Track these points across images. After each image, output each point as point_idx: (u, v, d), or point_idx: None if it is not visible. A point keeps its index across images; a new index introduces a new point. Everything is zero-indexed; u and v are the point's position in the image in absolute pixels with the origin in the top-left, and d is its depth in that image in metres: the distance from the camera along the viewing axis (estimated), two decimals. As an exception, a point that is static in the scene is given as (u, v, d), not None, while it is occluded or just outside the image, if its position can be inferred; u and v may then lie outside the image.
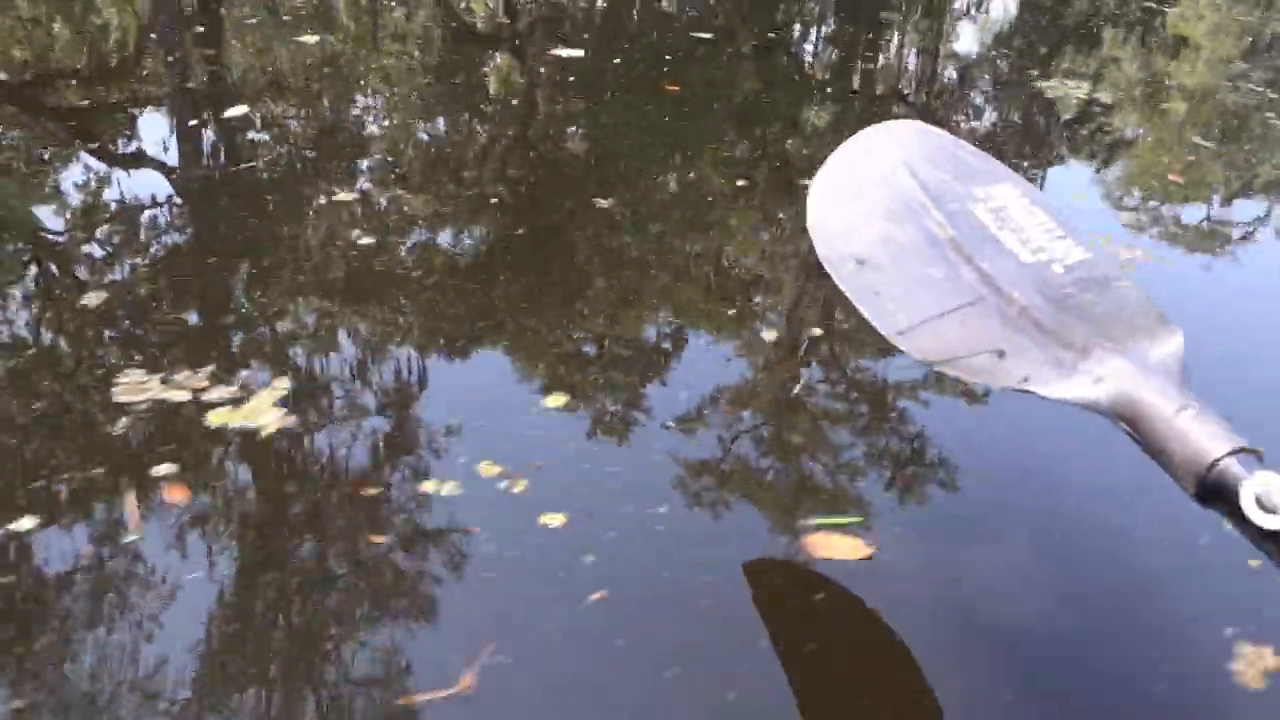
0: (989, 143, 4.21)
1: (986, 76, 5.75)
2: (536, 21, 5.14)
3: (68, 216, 2.57)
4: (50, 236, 2.43)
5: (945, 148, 1.43)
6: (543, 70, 4.29)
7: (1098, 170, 3.90)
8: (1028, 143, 4.32)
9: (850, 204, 1.39)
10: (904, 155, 1.40)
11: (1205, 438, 0.95)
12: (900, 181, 1.36)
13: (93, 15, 4.57)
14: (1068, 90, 4.94)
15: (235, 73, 3.93)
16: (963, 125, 4.54)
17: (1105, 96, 4.99)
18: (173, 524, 1.52)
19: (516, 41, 4.84)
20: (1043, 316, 1.14)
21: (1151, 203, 3.52)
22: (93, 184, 2.76)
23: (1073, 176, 3.84)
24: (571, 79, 4.15)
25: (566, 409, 1.88)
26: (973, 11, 7.96)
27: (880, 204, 1.36)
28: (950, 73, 5.87)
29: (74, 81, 3.71)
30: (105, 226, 2.52)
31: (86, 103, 3.53)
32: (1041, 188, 3.72)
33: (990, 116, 4.86)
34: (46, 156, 2.94)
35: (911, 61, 6.12)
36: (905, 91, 5.06)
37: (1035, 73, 5.35)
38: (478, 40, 4.88)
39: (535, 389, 1.94)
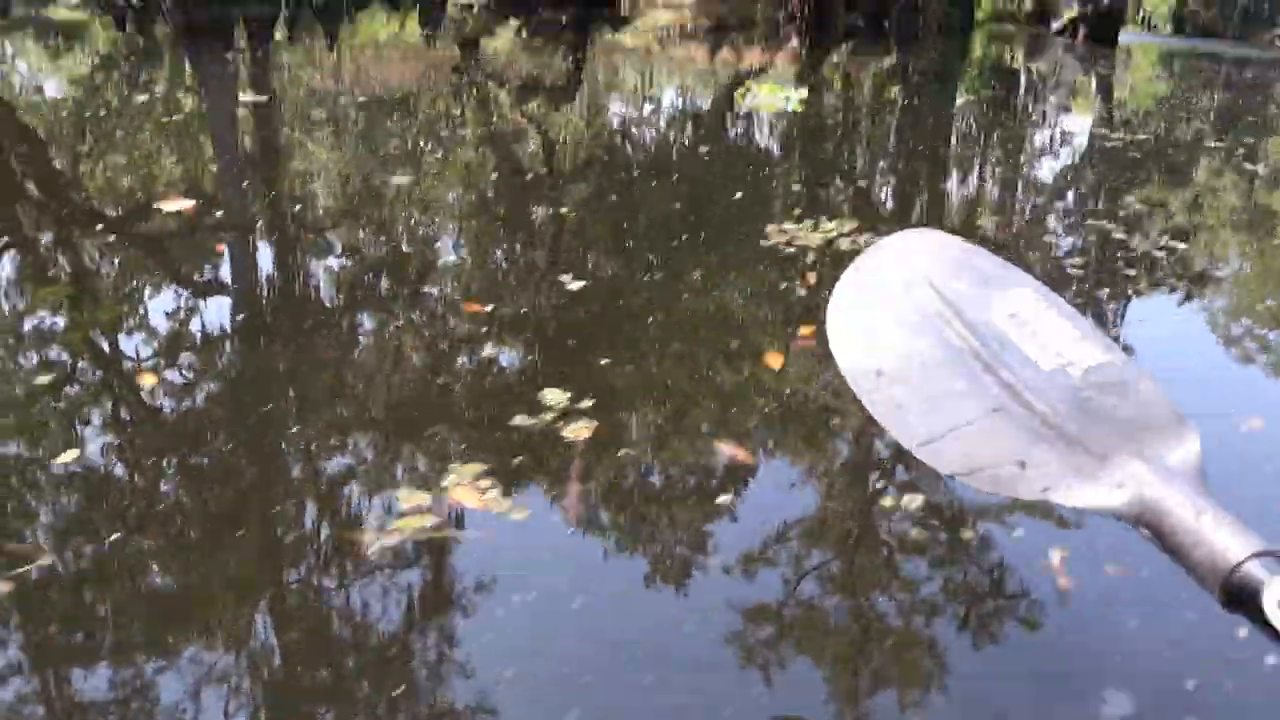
0: (1085, 274, 4.13)
1: (1070, 206, 5.78)
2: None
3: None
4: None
5: (962, 255, 1.43)
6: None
7: (1200, 302, 3.86)
8: (1123, 275, 4.24)
9: (869, 316, 1.39)
10: (921, 265, 1.41)
11: (1226, 541, 0.95)
12: (919, 292, 1.37)
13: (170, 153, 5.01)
14: (1161, 222, 4.92)
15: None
16: (1048, 255, 4.50)
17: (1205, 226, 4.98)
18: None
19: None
20: (1063, 423, 1.15)
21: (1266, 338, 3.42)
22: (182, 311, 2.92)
23: (1171, 310, 3.79)
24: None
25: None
26: (1057, 142, 8.11)
27: (900, 315, 1.36)
28: (1032, 202, 5.88)
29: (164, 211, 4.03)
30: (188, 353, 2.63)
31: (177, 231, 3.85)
32: (1141, 321, 3.59)
33: (1080, 247, 4.81)
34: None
35: (990, 191, 6.18)
36: (981, 223, 5.09)
37: (1131, 200, 5.33)
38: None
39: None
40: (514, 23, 18.42)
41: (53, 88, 8.00)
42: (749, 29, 20.61)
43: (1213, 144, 8.58)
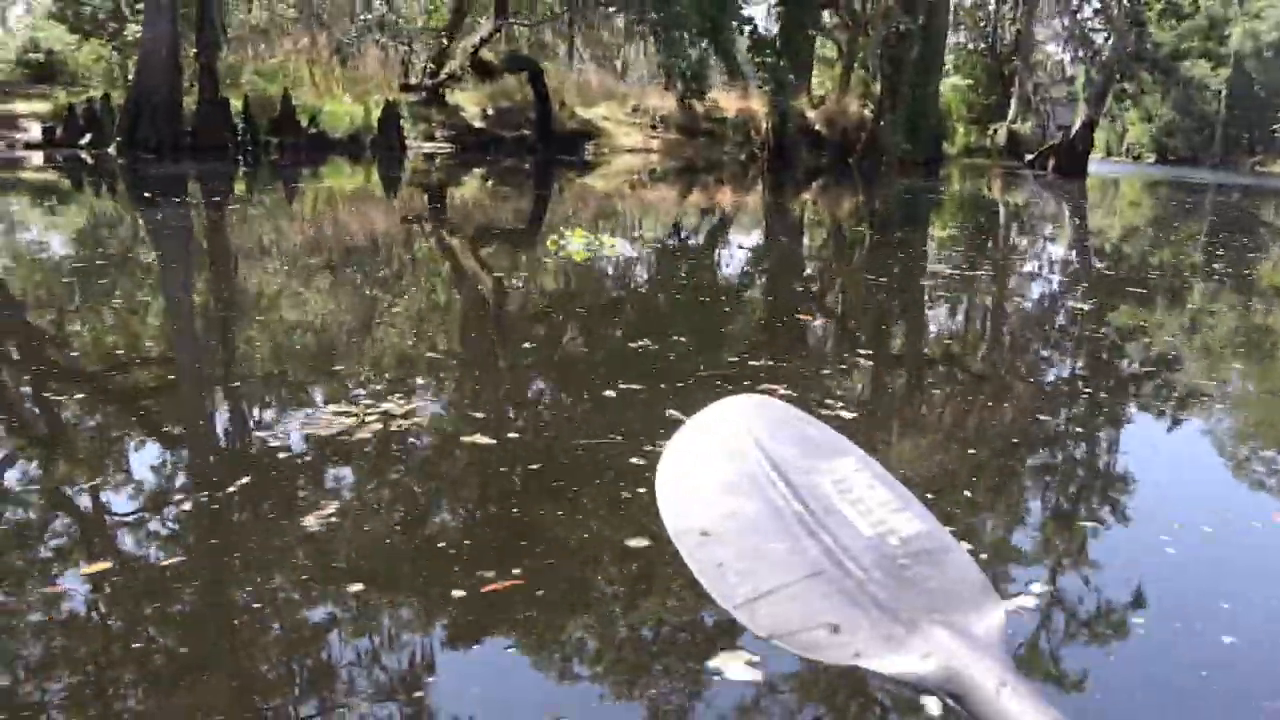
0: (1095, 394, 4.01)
1: (1057, 330, 5.57)
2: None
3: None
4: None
5: (792, 421, 1.45)
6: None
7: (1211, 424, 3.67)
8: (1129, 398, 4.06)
9: (698, 476, 1.40)
10: (752, 428, 1.42)
11: (1023, 715, 1.00)
12: (747, 454, 1.38)
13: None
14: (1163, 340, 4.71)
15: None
16: (1033, 378, 4.17)
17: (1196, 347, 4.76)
18: None
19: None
20: (878, 590, 1.15)
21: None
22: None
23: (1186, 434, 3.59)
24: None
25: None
26: (1044, 270, 7.90)
27: (727, 477, 1.37)
28: (1019, 330, 5.58)
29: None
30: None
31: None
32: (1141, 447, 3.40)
33: (1067, 370, 4.53)
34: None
35: (979, 320, 5.89)
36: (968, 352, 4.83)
37: (1118, 322, 5.05)
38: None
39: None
40: (478, 171, 18.46)
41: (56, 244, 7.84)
42: (717, 170, 20.82)
43: (1201, 266, 8.51)
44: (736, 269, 7.59)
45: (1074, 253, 10.17)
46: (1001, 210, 15.85)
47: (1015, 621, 1.76)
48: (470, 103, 21.77)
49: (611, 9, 18.23)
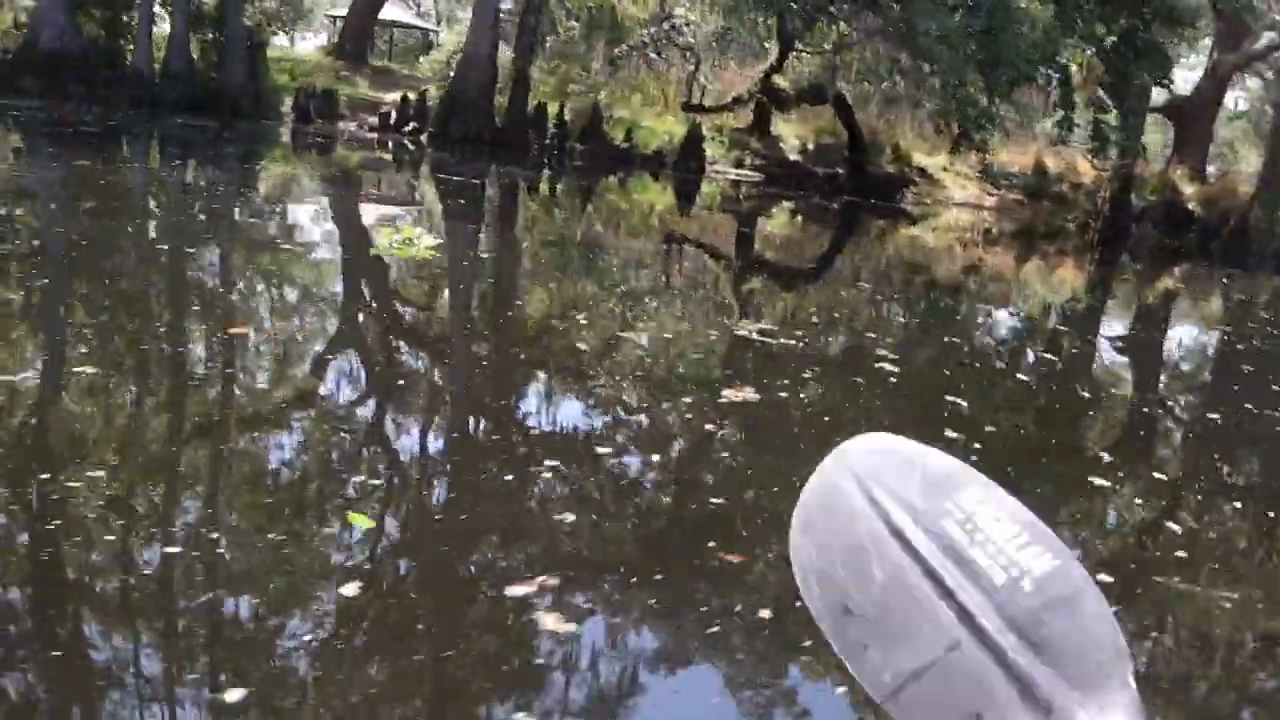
0: None
1: None
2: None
3: None
4: None
5: (907, 459, 1.07)
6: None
7: None
8: None
9: (825, 541, 1.07)
10: (865, 478, 1.07)
11: None
12: (866, 510, 1.04)
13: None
14: None
15: None
16: None
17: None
18: None
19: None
20: (1018, 657, 0.90)
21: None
22: None
23: None
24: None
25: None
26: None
27: (852, 539, 1.03)
28: None
29: None
30: None
31: None
32: None
33: None
34: None
35: None
36: None
37: None
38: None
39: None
40: (787, 205, 18.11)
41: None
42: (1058, 238, 18.87)
43: None
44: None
45: None
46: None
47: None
48: (792, 134, 21.43)
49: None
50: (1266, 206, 18.86)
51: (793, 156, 21.03)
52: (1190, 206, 21.23)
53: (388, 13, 27.49)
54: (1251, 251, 19.12)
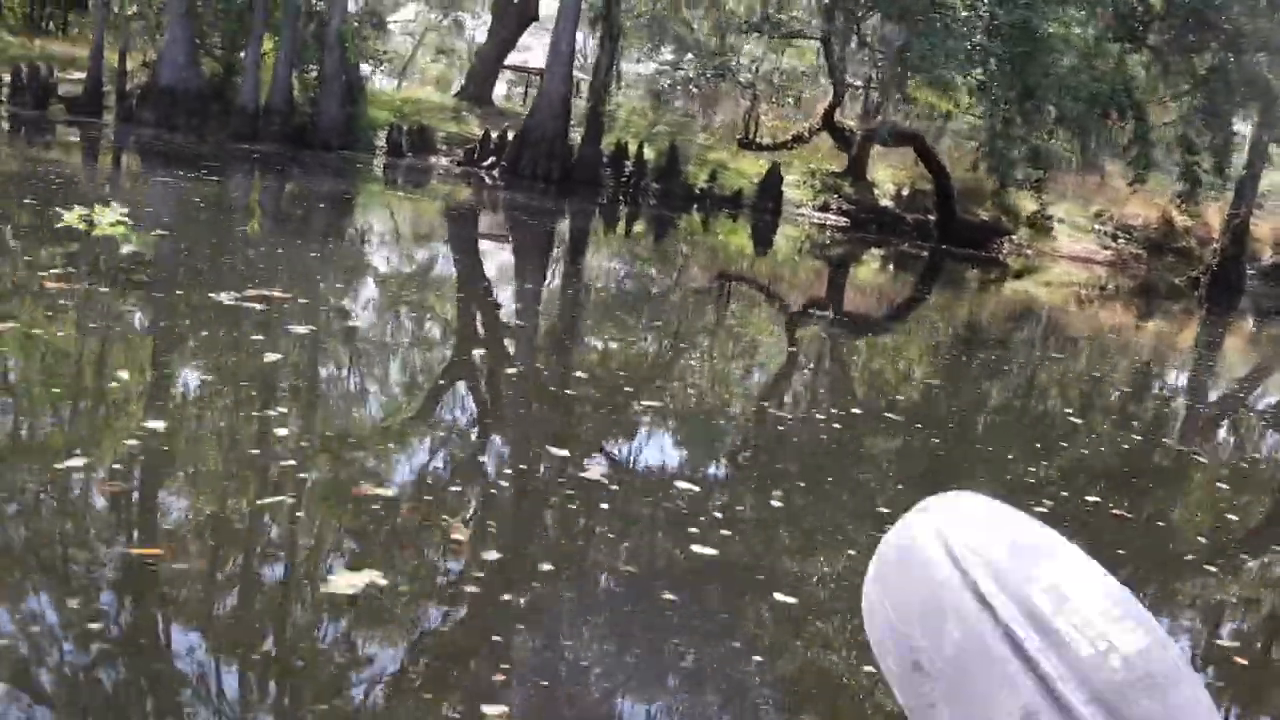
0: None
1: None
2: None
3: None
4: None
5: (996, 521, 1.09)
6: None
7: None
8: None
9: (901, 595, 1.11)
10: (948, 536, 1.10)
11: None
12: (947, 569, 1.07)
13: None
14: None
15: None
16: None
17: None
18: None
19: None
20: None
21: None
22: None
23: None
24: None
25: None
26: None
27: (930, 597, 1.07)
28: None
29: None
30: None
31: None
32: None
33: None
34: None
35: None
36: None
37: None
38: None
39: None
40: (877, 252, 17.59)
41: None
42: (1179, 298, 17.56)
43: None
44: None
45: None
46: None
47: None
48: (889, 179, 20.82)
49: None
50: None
51: (884, 202, 20.41)
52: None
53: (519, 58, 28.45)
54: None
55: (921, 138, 18.23)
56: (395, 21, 33.33)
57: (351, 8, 27.34)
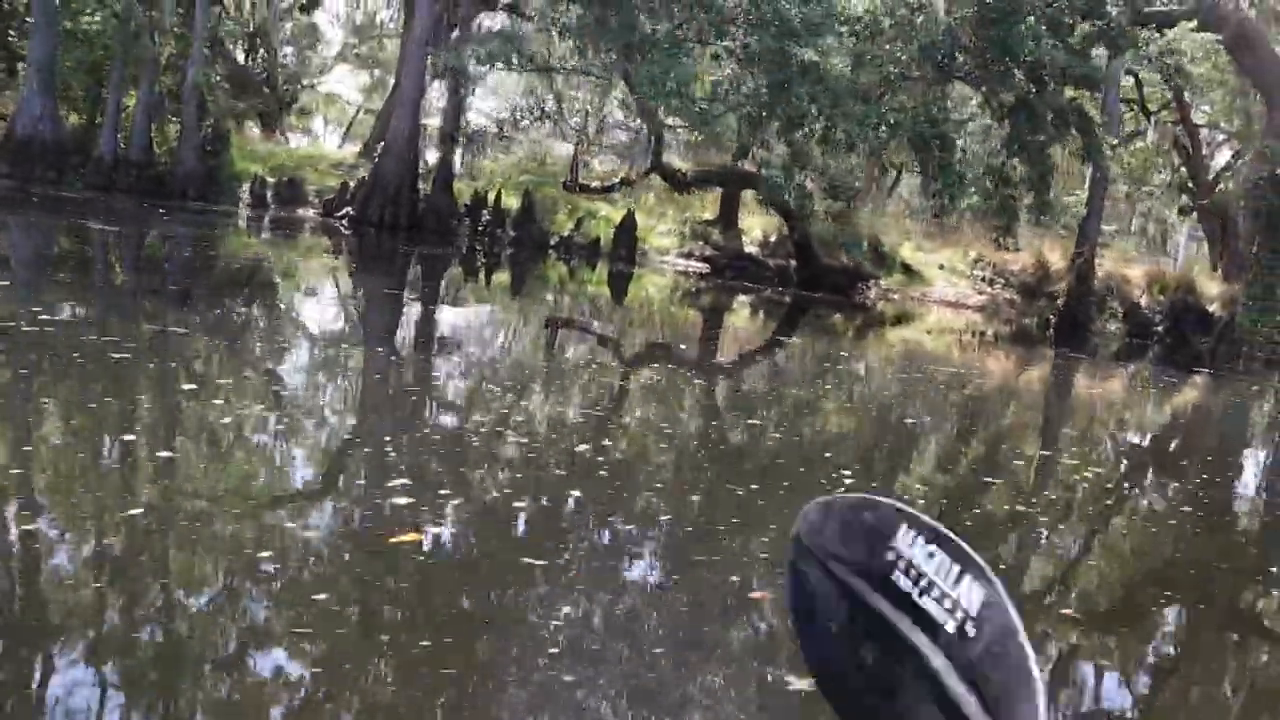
0: None
1: None
2: None
3: None
4: None
5: (843, 516, 1.43)
6: None
7: None
8: None
9: (816, 640, 1.47)
10: (822, 552, 1.44)
11: None
12: (833, 589, 1.41)
13: None
14: None
15: None
16: None
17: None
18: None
19: None
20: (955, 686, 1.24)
21: None
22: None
23: None
24: None
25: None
26: None
27: (835, 627, 1.42)
28: None
29: None
30: None
31: None
32: None
33: None
34: None
35: None
36: None
37: None
38: None
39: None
40: (745, 299, 17.55)
41: None
42: (1037, 342, 17.48)
43: None
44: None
45: None
46: None
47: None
48: (759, 227, 20.91)
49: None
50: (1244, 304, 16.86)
51: (750, 249, 20.45)
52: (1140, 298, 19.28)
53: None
54: (1239, 353, 17.12)
55: (740, 175, 18.23)
56: (320, 83, 33.76)
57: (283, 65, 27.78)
